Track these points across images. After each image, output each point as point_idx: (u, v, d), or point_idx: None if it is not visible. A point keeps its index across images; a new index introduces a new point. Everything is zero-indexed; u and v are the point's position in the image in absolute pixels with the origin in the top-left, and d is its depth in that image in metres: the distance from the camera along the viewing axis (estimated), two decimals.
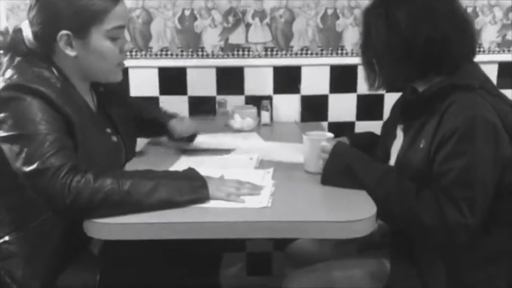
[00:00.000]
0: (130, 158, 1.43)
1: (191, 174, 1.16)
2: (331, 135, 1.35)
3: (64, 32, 1.17)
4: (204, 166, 1.30)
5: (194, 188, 1.11)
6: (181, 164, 1.36)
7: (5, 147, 1.10)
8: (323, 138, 1.31)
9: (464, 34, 1.18)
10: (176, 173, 1.18)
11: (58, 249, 1.21)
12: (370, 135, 1.56)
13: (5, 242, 1.19)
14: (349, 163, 1.20)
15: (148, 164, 1.30)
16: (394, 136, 1.33)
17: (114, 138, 1.34)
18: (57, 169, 1.05)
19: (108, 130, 1.33)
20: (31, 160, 1.06)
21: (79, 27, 1.18)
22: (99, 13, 1.18)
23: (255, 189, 1.16)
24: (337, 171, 1.21)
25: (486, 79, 1.19)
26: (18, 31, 1.24)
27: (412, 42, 1.15)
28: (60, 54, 1.21)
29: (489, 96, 1.12)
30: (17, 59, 1.22)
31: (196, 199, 1.10)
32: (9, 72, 1.16)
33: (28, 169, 1.06)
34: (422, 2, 1.16)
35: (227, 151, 1.57)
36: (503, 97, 1.17)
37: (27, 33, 1.22)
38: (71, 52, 1.19)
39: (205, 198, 1.11)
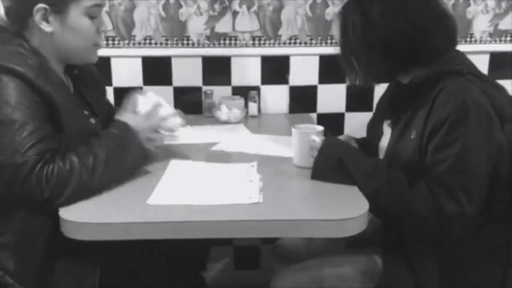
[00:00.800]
0: None
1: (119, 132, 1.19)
2: (321, 128, 1.31)
3: (41, 5, 1.13)
4: (198, 170, 1.26)
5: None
6: (173, 168, 1.28)
7: None
8: (313, 131, 1.28)
9: (440, 26, 1.17)
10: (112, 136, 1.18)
11: (50, 239, 1.16)
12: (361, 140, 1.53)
13: None
14: (340, 157, 1.17)
15: (136, 172, 1.27)
16: (381, 133, 1.32)
17: (93, 121, 1.29)
18: (33, 165, 1.01)
19: (86, 112, 1.29)
20: (2, 151, 1.01)
21: (58, 1, 1.14)
22: None
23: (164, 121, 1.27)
24: (327, 167, 1.19)
25: (474, 66, 1.19)
26: None
27: (388, 39, 1.15)
28: (34, 31, 1.17)
29: (478, 81, 1.11)
30: None
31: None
32: None
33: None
34: None
35: (212, 144, 1.54)
36: (492, 82, 1.16)
37: None
38: (47, 28, 1.15)
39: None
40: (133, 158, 1.19)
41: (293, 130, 1.29)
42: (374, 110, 1.45)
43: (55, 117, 1.11)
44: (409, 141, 1.14)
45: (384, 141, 1.27)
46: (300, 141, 1.27)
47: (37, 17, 1.14)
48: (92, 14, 1.19)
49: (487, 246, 1.15)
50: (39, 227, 1.15)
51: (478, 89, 1.09)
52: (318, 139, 1.23)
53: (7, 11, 1.15)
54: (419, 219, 1.07)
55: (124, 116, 1.23)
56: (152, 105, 1.28)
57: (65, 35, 1.18)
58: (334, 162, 1.17)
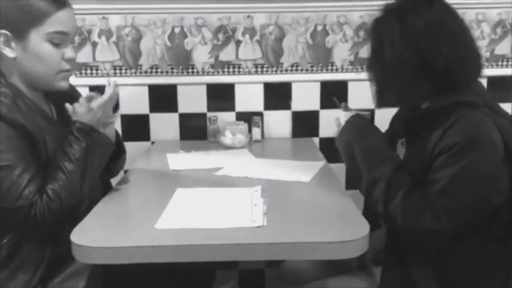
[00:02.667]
0: None
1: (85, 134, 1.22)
2: (367, 112, 1.40)
3: (2, 31, 1.14)
4: (203, 195, 1.29)
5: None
6: (179, 197, 1.28)
7: None
8: (359, 112, 1.39)
9: (474, 55, 1.17)
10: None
11: (50, 254, 1.19)
12: None
13: None
14: (351, 138, 1.26)
15: (143, 198, 1.31)
16: (394, 149, 1.33)
17: None
18: (27, 213, 1.09)
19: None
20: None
21: (18, 27, 1.15)
22: (39, 15, 1.15)
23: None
24: (343, 143, 1.29)
25: (488, 96, 1.19)
26: None
27: (431, 57, 1.12)
28: (1, 61, 1.19)
29: (492, 114, 1.12)
30: None
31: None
32: None
33: None
34: (436, 17, 1.14)
35: (216, 169, 1.56)
36: (505, 114, 1.17)
37: None
38: (10, 54, 1.17)
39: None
40: (102, 155, 1.26)
41: (342, 112, 1.42)
42: (388, 126, 1.45)
43: (34, 145, 1.15)
44: (418, 164, 1.15)
45: None
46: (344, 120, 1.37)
47: (0, 43, 1.15)
48: (55, 41, 1.18)
49: (488, 264, 1.15)
50: (39, 243, 1.18)
51: (491, 122, 1.09)
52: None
53: None
54: (398, 226, 1.10)
55: (82, 117, 1.24)
56: (99, 101, 1.28)
57: (27, 61, 1.18)
58: (346, 141, 1.27)
